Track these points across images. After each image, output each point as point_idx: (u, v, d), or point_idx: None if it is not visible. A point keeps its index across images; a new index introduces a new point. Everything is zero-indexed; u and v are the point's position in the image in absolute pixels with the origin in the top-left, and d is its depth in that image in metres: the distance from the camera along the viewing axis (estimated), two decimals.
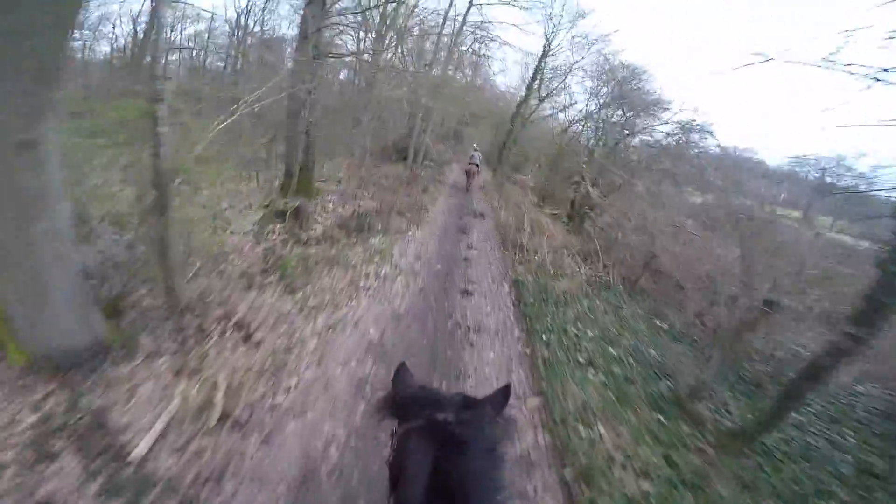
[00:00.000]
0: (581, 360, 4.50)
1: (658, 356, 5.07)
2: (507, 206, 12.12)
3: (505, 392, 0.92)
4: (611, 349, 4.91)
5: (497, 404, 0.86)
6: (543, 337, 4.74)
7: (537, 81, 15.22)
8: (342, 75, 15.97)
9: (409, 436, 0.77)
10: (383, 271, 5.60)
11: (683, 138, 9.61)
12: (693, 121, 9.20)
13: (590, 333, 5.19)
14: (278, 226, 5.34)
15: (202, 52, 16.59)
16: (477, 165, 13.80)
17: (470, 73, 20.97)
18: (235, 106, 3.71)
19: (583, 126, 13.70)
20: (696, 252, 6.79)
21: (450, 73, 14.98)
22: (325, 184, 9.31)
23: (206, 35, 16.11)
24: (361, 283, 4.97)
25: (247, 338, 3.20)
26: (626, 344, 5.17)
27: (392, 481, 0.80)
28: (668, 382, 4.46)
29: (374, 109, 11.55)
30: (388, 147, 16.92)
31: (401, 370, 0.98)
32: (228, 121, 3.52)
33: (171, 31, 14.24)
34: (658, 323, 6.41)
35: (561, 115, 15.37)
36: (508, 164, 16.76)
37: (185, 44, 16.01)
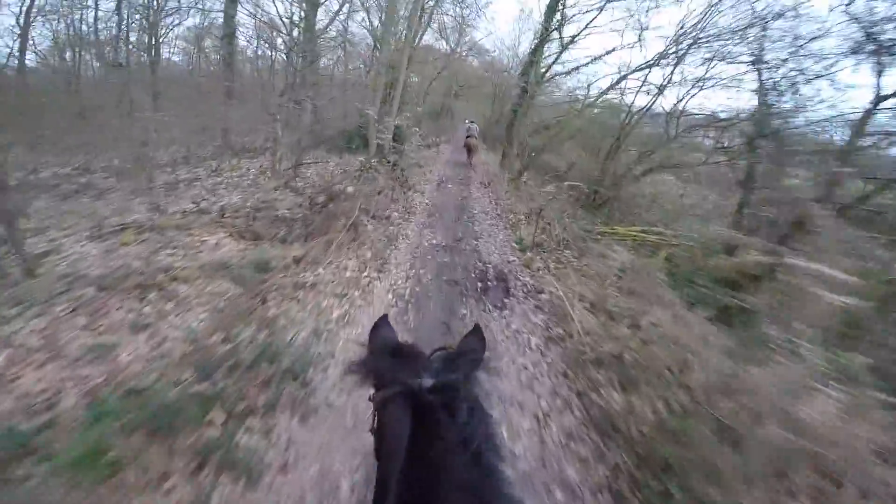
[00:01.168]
0: None
1: None
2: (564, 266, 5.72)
3: (478, 335, 0.88)
4: None
5: (475, 352, 0.82)
6: None
7: (557, 15, 10.38)
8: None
9: (386, 405, 0.74)
10: None
11: None
12: None
13: None
14: None
15: None
16: (475, 138, 12.87)
17: (455, 39, 16.90)
18: None
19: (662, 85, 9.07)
20: None
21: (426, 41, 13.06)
22: None
23: None
24: None
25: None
26: None
27: (376, 450, 0.79)
28: None
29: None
30: (337, 135, 12.46)
31: (380, 324, 0.94)
32: None
33: None
34: None
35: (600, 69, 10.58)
36: (521, 146, 12.03)
37: None
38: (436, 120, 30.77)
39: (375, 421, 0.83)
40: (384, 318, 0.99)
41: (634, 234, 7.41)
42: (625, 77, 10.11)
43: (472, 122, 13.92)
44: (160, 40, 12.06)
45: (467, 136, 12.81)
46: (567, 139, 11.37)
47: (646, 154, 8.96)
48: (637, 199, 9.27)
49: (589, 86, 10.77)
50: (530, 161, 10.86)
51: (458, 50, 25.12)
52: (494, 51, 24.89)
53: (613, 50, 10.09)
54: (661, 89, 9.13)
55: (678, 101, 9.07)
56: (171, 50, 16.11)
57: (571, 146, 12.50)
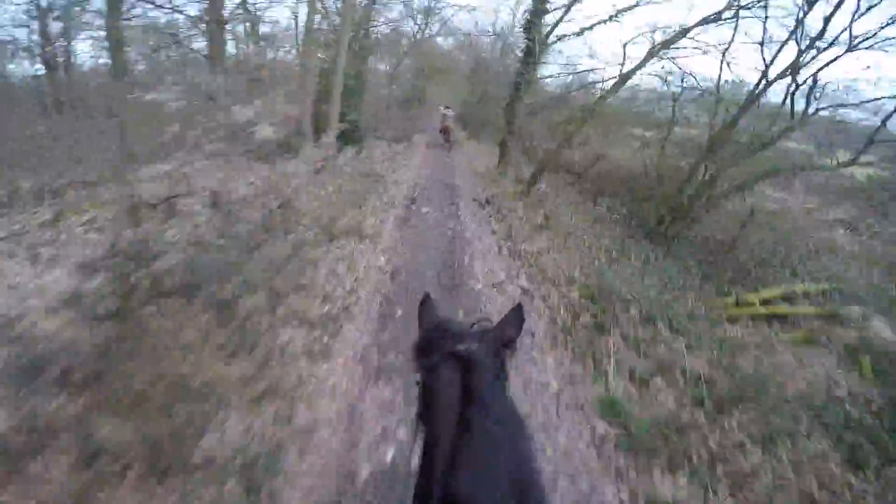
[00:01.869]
0: None
1: None
2: None
3: (518, 314, 0.90)
4: None
5: (513, 326, 0.87)
6: None
7: None
8: None
9: (435, 371, 0.77)
10: None
11: None
12: None
13: None
14: None
15: None
16: (452, 119, 13.19)
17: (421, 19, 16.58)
18: None
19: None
20: None
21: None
22: None
23: None
24: None
25: None
26: None
27: (420, 415, 0.81)
28: None
29: None
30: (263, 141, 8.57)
31: (426, 303, 0.97)
32: None
33: None
34: None
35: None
36: (527, 136, 8.28)
37: None
38: (406, 108, 26.79)
39: (421, 388, 0.84)
40: (427, 296, 0.99)
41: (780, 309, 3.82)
42: (685, 33, 6.39)
43: (447, 107, 13.61)
44: None
45: (443, 121, 12.86)
46: (583, 126, 7.61)
47: (750, 150, 5.27)
48: (730, 220, 5.64)
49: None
50: (544, 163, 7.08)
51: (427, 30, 21.52)
52: (469, 30, 21.18)
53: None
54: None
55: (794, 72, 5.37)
56: None
57: (595, 134, 8.74)
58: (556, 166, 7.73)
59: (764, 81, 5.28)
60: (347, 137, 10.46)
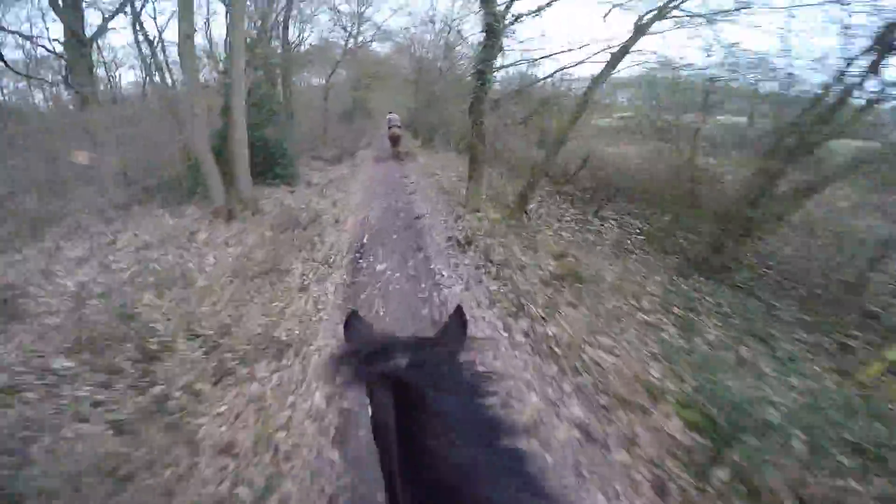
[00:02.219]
0: None
1: None
2: None
3: (460, 317, 0.83)
4: None
5: (455, 333, 0.79)
6: None
7: None
8: None
9: (372, 393, 0.71)
10: None
11: None
12: None
13: None
14: None
15: None
16: (399, 127, 12.26)
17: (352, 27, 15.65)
18: None
19: None
20: None
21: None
22: None
23: None
24: None
25: None
26: None
27: (374, 440, 0.74)
28: None
29: None
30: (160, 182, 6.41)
31: (351, 319, 0.89)
32: None
33: None
34: None
35: None
36: (497, 141, 6.57)
37: None
38: (349, 122, 24.65)
39: (370, 412, 0.74)
40: (353, 312, 0.91)
41: None
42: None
43: (391, 113, 12.75)
44: None
45: (389, 128, 12.20)
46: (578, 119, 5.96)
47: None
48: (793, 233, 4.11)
49: None
50: (536, 175, 5.34)
51: (359, 37, 19.79)
52: (408, 28, 19.47)
53: None
54: None
55: None
56: None
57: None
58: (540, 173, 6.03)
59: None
60: (276, 172, 8.34)
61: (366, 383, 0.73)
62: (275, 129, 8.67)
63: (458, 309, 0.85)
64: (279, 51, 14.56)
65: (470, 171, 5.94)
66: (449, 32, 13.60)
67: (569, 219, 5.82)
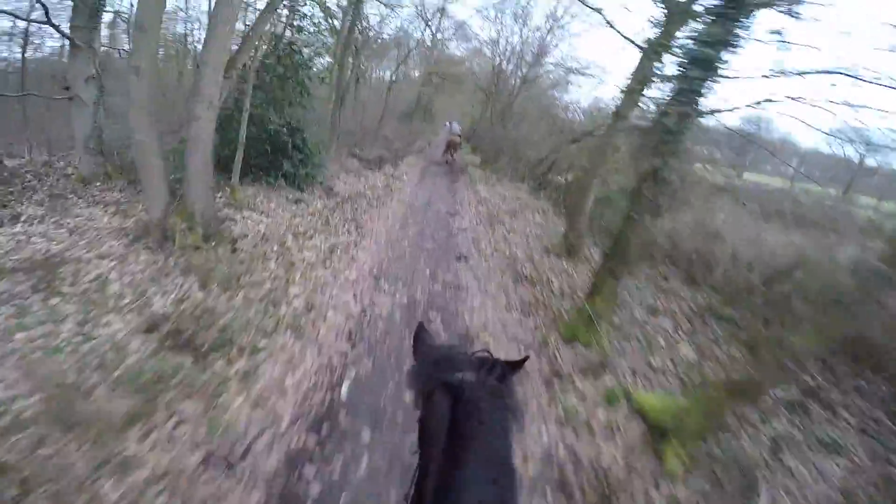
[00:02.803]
0: None
1: None
2: None
3: (523, 363, 0.87)
4: None
5: (513, 367, 0.83)
6: None
7: None
8: None
9: (430, 397, 0.79)
10: None
11: None
12: None
13: None
14: None
15: None
16: (459, 136, 12.09)
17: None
18: None
19: None
20: None
21: None
22: None
23: None
24: None
25: None
26: None
27: (419, 438, 0.84)
28: None
29: None
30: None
31: (420, 333, 0.96)
32: None
33: None
34: None
35: None
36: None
37: None
38: (407, 122, 22.61)
39: (420, 412, 0.84)
40: (421, 325, 1.00)
41: None
42: None
43: (453, 122, 12.70)
44: None
45: (451, 134, 12.03)
46: None
47: None
48: None
49: None
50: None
51: (439, 33, 17.85)
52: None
53: None
54: None
55: None
56: None
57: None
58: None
59: None
60: (286, 170, 6.06)
61: (427, 388, 0.80)
62: (295, 111, 6.43)
63: (526, 358, 0.89)
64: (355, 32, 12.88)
65: (599, 275, 3.19)
66: (550, 31, 11.09)
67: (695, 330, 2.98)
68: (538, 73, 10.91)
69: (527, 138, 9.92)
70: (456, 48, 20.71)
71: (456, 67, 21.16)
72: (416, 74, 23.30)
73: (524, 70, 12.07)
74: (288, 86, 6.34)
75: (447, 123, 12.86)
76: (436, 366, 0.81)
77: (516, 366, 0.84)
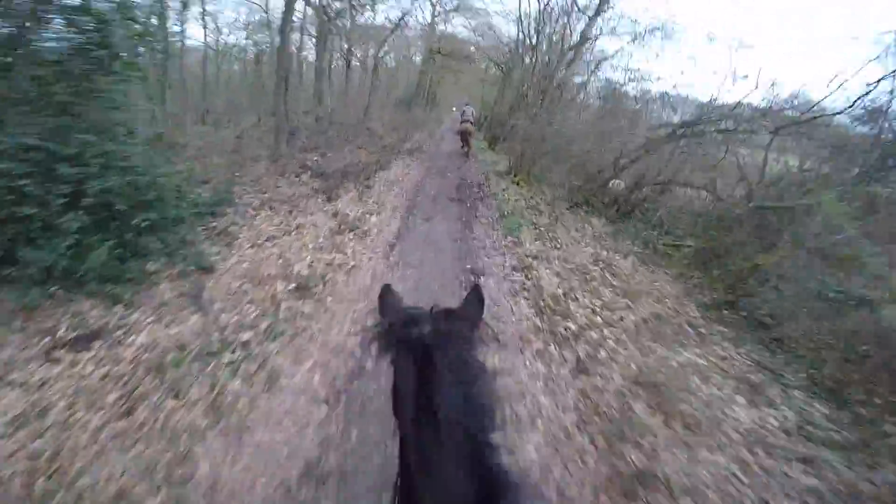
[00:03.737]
0: None
1: None
2: None
3: (477, 294, 0.91)
4: None
5: (473, 309, 0.88)
6: None
7: None
8: None
9: (398, 358, 0.79)
10: None
11: None
12: None
13: None
14: None
15: None
16: (471, 122, 10.60)
17: None
18: None
19: None
20: None
21: None
22: None
23: None
24: None
25: None
26: None
27: (393, 408, 0.82)
28: None
29: None
30: None
31: (385, 294, 0.96)
32: None
33: None
34: None
35: None
36: None
37: None
38: (404, 109, 18.82)
39: (393, 377, 0.83)
40: (387, 287, 0.98)
41: None
42: None
43: (466, 104, 11.19)
44: None
45: (462, 120, 10.59)
46: None
47: None
48: None
49: None
50: None
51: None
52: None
53: None
54: None
55: None
56: None
57: None
58: None
59: None
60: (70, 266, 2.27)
61: (394, 352, 0.79)
62: (105, 115, 2.62)
63: (476, 287, 0.91)
64: None
65: None
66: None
67: None
68: (596, 31, 6.77)
69: (584, 134, 5.93)
70: (463, 24, 17.01)
71: (461, 46, 17.64)
72: (418, 59, 20.09)
73: (574, 26, 7.85)
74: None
75: (458, 106, 11.15)
76: (399, 326, 0.79)
77: (475, 304, 0.87)
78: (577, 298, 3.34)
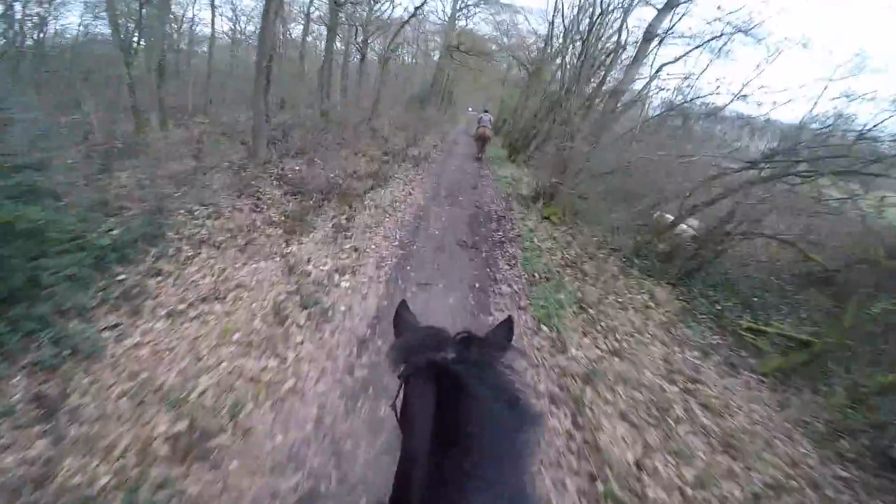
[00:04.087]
0: None
1: None
2: None
3: (508, 325, 0.87)
4: None
5: (501, 338, 0.83)
6: None
7: None
8: None
9: (410, 378, 0.75)
10: None
11: None
12: None
13: None
14: None
15: None
16: (489, 129, 10.67)
17: None
18: None
19: None
20: None
21: None
22: None
23: None
24: None
25: None
26: None
27: (400, 423, 0.78)
28: None
29: None
30: None
31: (401, 310, 0.93)
32: None
33: None
34: None
35: None
36: None
37: None
38: (418, 108, 17.56)
39: (400, 395, 0.79)
40: (403, 303, 0.94)
41: None
42: None
43: (485, 111, 10.80)
44: None
45: (479, 126, 10.57)
46: None
47: None
48: None
49: None
50: None
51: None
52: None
53: None
54: None
55: None
56: None
57: None
58: None
59: None
60: None
61: (407, 368, 0.75)
62: None
63: (508, 319, 0.89)
64: None
65: None
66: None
67: None
68: (667, 24, 5.24)
69: (647, 161, 4.50)
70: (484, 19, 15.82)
71: (483, 42, 16.34)
72: (436, 56, 19.06)
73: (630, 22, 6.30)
74: None
75: (472, 111, 11.09)
76: (417, 345, 0.77)
77: (502, 336, 0.81)
78: (656, 469, 1.95)
